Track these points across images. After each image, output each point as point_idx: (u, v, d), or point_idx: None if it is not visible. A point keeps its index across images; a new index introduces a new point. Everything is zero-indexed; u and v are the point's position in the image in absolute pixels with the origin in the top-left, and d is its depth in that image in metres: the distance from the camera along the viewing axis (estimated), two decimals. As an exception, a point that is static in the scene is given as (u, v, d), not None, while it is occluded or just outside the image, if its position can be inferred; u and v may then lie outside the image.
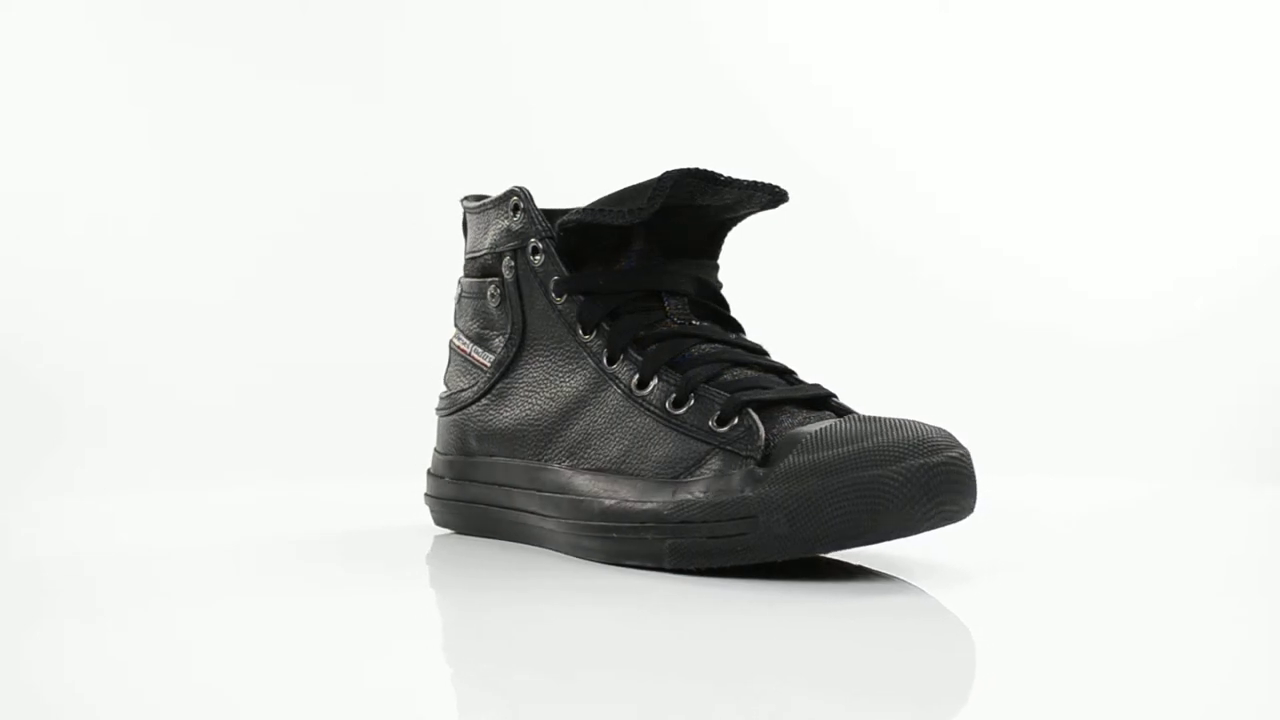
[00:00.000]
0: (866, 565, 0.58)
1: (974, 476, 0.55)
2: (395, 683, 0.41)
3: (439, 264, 1.27)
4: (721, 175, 0.59)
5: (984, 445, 1.03)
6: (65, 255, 1.27)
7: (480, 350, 0.67)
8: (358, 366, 1.21)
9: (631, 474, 0.58)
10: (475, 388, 0.67)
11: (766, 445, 0.55)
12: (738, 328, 0.64)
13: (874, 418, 0.56)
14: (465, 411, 0.68)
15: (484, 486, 0.67)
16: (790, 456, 0.54)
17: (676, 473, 0.57)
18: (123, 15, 1.34)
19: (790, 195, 0.62)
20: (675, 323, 0.61)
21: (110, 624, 0.50)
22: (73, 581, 0.58)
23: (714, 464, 0.56)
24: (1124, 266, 1.29)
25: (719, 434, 0.56)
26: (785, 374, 0.60)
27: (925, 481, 0.52)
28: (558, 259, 0.63)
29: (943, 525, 0.54)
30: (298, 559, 0.64)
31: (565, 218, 0.62)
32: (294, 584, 0.58)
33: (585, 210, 0.61)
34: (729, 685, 0.42)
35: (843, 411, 0.58)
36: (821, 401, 0.59)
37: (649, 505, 0.57)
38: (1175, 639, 0.48)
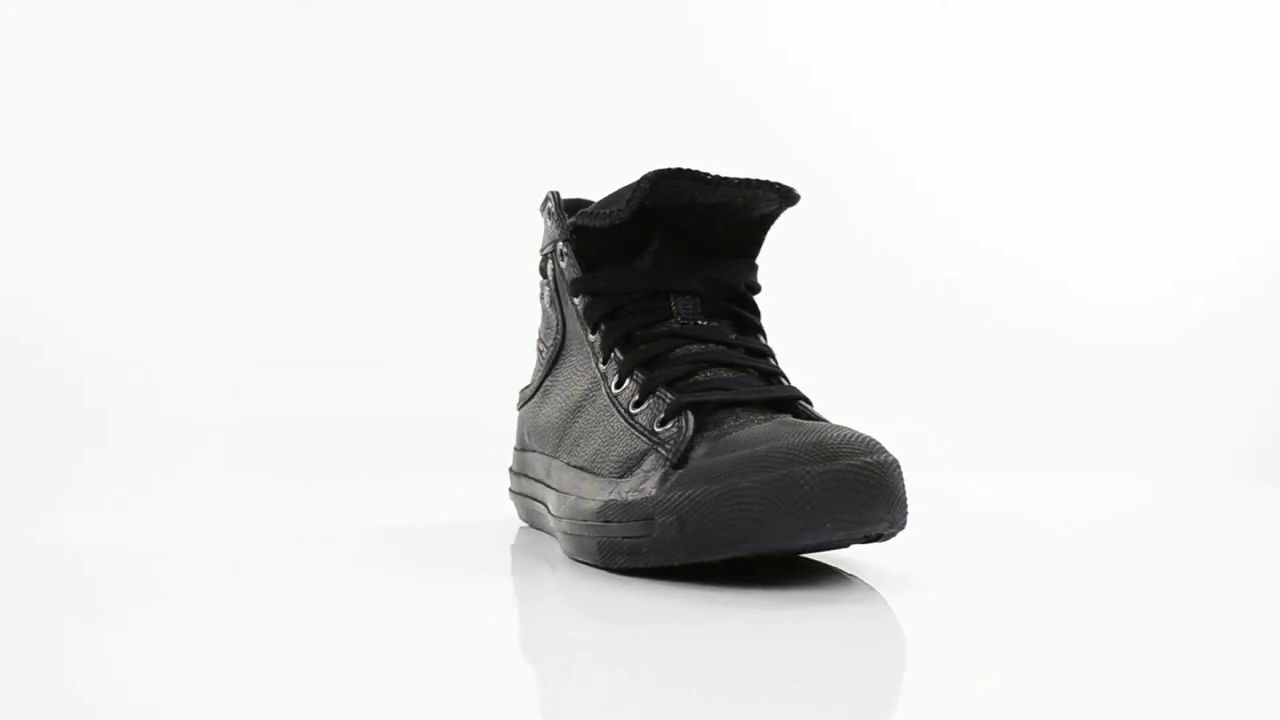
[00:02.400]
0: (865, 567, 0.58)
1: (887, 486, 0.50)
2: (389, 683, 0.41)
3: (438, 262, 1.28)
4: (709, 174, 0.58)
5: (983, 445, 1.04)
6: (65, 255, 1.27)
7: (545, 348, 0.68)
8: (356, 366, 1.21)
9: (596, 473, 0.58)
10: (533, 385, 0.68)
11: (688, 447, 0.54)
12: (757, 329, 0.62)
13: (797, 422, 0.54)
14: (526, 407, 0.70)
15: (527, 480, 0.69)
16: (695, 460, 0.53)
17: (622, 472, 0.57)
18: (123, 15, 1.34)
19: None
20: (678, 323, 0.60)
21: (110, 624, 0.50)
22: (73, 581, 0.58)
23: (647, 465, 0.55)
24: (1124, 266, 1.29)
25: (656, 434, 0.56)
26: (771, 377, 0.59)
27: (811, 489, 0.49)
28: (575, 260, 0.63)
29: (850, 536, 0.50)
30: (296, 559, 0.63)
31: (568, 221, 0.63)
32: (292, 584, 0.58)
33: (580, 214, 0.62)
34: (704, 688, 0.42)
35: (803, 416, 0.57)
36: (785, 404, 0.57)
37: (590, 503, 0.57)
38: (1175, 639, 0.48)
